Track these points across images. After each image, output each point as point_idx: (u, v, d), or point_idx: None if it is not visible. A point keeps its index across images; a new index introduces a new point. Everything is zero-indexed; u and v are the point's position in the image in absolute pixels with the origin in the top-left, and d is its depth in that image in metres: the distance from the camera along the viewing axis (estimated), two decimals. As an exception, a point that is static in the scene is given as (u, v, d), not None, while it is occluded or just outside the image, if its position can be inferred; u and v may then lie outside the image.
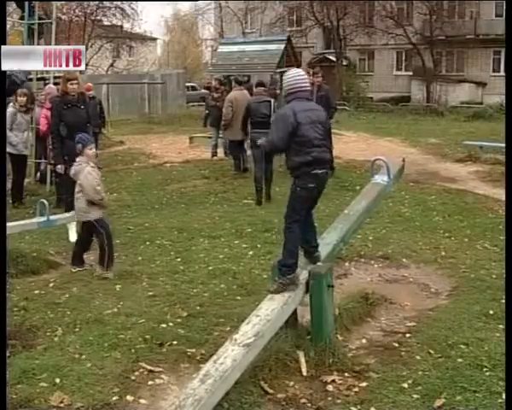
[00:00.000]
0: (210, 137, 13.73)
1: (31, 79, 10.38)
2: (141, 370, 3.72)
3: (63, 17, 27.66)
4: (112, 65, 35.97)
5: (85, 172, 5.54)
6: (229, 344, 3.36)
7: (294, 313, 4.03)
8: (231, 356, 3.25)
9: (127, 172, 11.66)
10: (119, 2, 32.14)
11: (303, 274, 3.98)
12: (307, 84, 4.26)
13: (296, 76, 4.19)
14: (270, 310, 3.68)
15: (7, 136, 8.81)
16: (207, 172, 11.37)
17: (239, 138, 11.02)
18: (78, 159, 5.68)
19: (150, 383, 3.60)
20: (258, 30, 34.80)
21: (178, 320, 4.43)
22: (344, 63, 32.08)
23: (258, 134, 7.75)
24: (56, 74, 9.70)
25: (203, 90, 31.04)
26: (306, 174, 3.98)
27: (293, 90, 4.10)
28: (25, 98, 9.20)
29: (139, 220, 7.74)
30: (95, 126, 8.56)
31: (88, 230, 5.73)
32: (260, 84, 9.72)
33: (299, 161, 3.97)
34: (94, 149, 5.78)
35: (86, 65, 13.07)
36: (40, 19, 10.61)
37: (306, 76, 4.33)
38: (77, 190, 5.61)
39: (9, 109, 8.92)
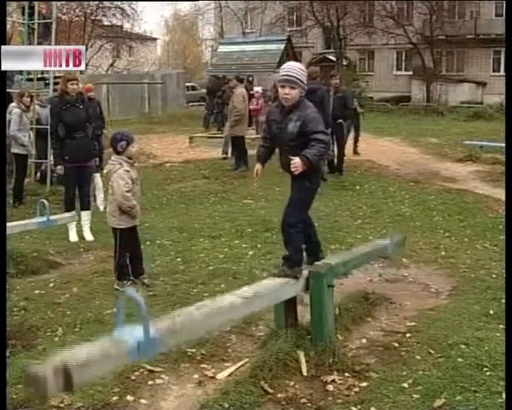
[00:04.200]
0: (222, 137, 13.69)
1: (31, 79, 10.41)
2: (141, 370, 3.72)
3: (63, 17, 27.64)
4: (112, 65, 35.94)
5: (117, 174, 5.02)
6: (229, 294, 3.49)
7: (295, 313, 4.04)
8: (229, 300, 3.39)
9: (127, 172, 11.66)
10: (119, 2, 32.15)
11: (303, 272, 3.99)
12: None
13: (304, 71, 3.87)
14: (270, 284, 3.80)
15: (17, 137, 8.84)
16: (207, 172, 11.38)
17: (245, 134, 11.28)
18: (113, 157, 5.14)
19: (150, 383, 3.60)
20: (259, 30, 34.81)
21: (178, 320, 4.43)
22: (344, 63, 32.07)
23: None
24: (56, 74, 9.71)
25: (203, 90, 31.04)
26: (319, 171, 3.98)
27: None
28: (29, 98, 9.21)
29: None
30: (96, 128, 8.57)
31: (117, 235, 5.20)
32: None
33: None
34: (136, 147, 5.30)
35: (86, 65, 13.08)
36: (44, 18, 10.65)
37: None
38: (109, 191, 5.18)
39: (16, 110, 8.90)
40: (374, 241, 5.14)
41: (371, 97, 31.12)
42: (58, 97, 6.99)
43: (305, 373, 3.65)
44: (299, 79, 3.71)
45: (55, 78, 9.89)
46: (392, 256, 5.19)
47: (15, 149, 8.90)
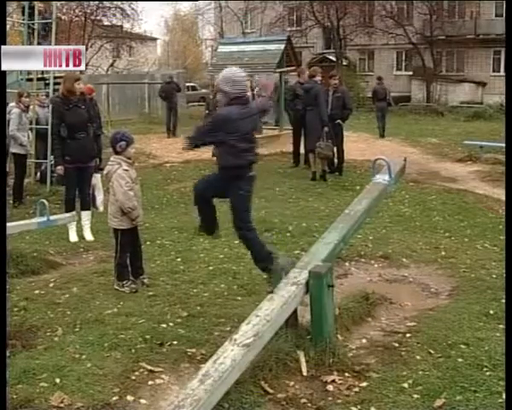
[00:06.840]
0: None
1: (31, 79, 10.40)
2: (141, 370, 3.72)
3: (63, 17, 27.64)
4: (112, 65, 35.92)
5: (116, 174, 5.01)
6: (229, 344, 3.36)
7: (295, 313, 4.03)
8: (231, 356, 3.24)
9: (127, 172, 11.67)
10: (119, 2, 32.14)
11: (303, 274, 3.98)
12: None
13: None
14: (269, 310, 3.67)
15: (16, 137, 8.84)
16: (207, 173, 11.36)
17: None
18: (112, 158, 5.14)
19: (150, 383, 3.60)
20: (259, 30, 34.78)
21: (178, 320, 4.43)
22: (344, 63, 32.06)
23: None
24: (56, 74, 9.70)
25: (204, 90, 31.07)
26: (247, 177, 4.41)
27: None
28: (28, 98, 9.21)
29: (139, 220, 7.73)
30: (97, 128, 8.56)
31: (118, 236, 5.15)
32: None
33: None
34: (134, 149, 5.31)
35: (86, 65, 13.08)
36: (44, 18, 10.65)
37: None
38: (111, 192, 5.14)
39: (15, 110, 8.90)
40: (374, 181, 5.20)
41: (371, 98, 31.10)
42: (61, 97, 6.94)
43: (305, 373, 3.65)
44: (218, 87, 4.16)
45: (55, 78, 9.88)
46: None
47: (14, 149, 8.91)
